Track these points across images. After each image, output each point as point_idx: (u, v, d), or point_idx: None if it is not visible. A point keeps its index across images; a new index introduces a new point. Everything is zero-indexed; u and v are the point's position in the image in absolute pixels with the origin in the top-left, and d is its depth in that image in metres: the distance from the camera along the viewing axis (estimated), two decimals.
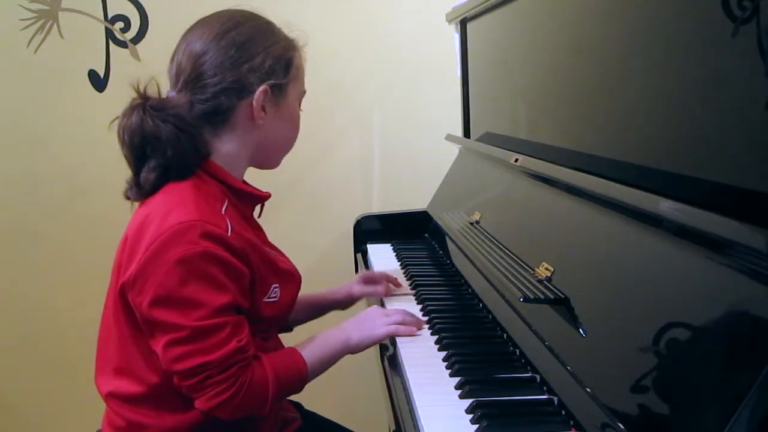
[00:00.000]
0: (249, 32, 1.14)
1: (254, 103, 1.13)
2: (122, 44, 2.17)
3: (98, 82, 2.17)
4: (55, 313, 2.24)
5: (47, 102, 2.17)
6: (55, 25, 2.14)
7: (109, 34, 2.16)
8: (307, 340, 1.19)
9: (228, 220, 1.09)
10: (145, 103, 1.10)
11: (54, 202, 2.21)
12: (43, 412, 2.28)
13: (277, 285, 1.18)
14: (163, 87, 1.15)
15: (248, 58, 1.12)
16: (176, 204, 1.06)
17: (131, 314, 1.09)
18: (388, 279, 1.51)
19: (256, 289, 1.13)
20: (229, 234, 1.06)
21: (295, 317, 1.38)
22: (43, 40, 2.15)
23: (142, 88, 1.12)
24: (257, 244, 1.15)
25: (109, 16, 2.16)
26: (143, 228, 1.06)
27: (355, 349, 1.20)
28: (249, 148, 1.17)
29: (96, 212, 2.16)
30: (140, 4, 2.15)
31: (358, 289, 1.49)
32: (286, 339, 1.28)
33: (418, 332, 1.24)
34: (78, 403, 2.13)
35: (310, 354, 1.15)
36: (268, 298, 1.16)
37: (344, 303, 1.50)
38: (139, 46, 2.17)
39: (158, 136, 1.08)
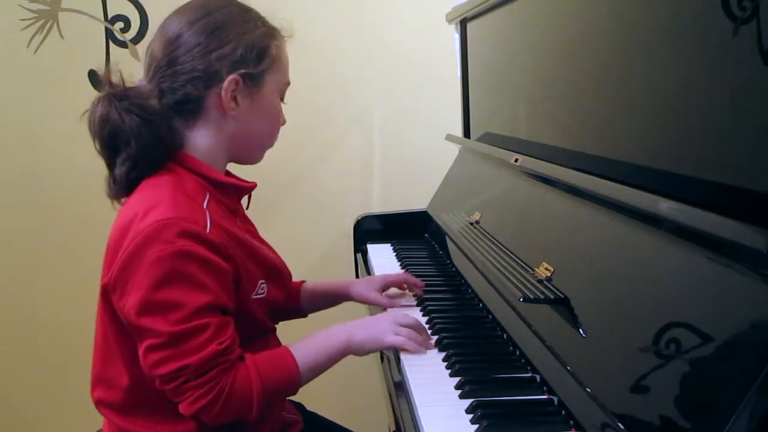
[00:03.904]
0: (221, 19, 1.10)
1: (223, 93, 1.09)
2: (122, 44, 2.17)
3: (98, 82, 2.17)
4: (55, 313, 2.24)
5: (47, 102, 2.17)
6: (55, 25, 2.14)
7: (109, 34, 2.17)
8: (305, 337, 1.14)
9: (208, 215, 1.05)
10: (110, 93, 1.07)
11: (54, 202, 2.21)
12: (43, 413, 2.28)
13: (263, 281, 1.15)
14: (135, 77, 1.13)
15: (218, 46, 1.09)
16: (154, 202, 1.03)
17: (114, 316, 1.07)
18: (411, 284, 1.44)
19: (243, 286, 1.10)
20: (207, 230, 1.03)
21: (310, 304, 1.39)
22: (43, 40, 2.15)
23: (108, 77, 1.09)
24: (243, 238, 1.13)
25: (109, 16, 2.16)
26: (124, 229, 1.04)
27: (357, 349, 1.13)
28: (224, 141, 1.13)
29: (96, 212, 2.14)
30: (140, 4, 2.15)
31: (360, 295, 1.42)
32: (293, 331, 1.27)
33: (426, 351, 1.15)
34: (78, 403, 2.13)
35: (304, 355, 1.09)
36: (256, 294, 1.13)
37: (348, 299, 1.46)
38: (139, 46, 2.16)
39: (122, 127, 1.06)
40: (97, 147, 1.10)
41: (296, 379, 1.08)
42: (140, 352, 1.02)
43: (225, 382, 1.01)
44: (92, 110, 1.09)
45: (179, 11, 1.14)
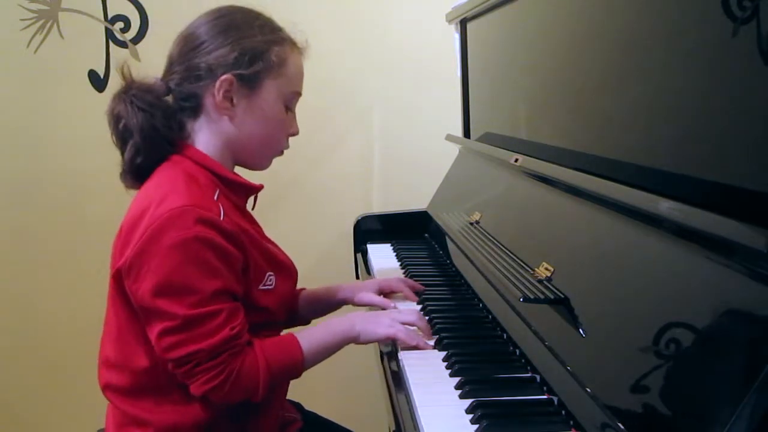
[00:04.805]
0: (227, 23, 1.17)
1: (215, 91, 1.14)
2: (122, 44, 2.17)
3: (98, 82, 2.17)
4: (55, 313, 2.24)
5: (47, 102, 2.17)
6: (55, 25, 2.15)
7: (109, 34, 2.17)
8: (310, 327, 1.20)
9: (221, 206, 1.10)
10: (120, 90, 1.16)
11: (54, 202, 2.21)
12: (43, 412, 2.28)
13: (272, 273, 1.19)
14: (144, 72, 1.19)
15: (218, 47, 1.15)
16: (169, 190, 1.08)
17: (127, 301, 1.10)
18: (409, 286, 1.43)
19: (250, 276, 1.13)
20: (221, 218, 1.07)
21: (309, 311, 1.41)
22: (43, 40, 2.15)
23: (122, 70, 1.17)
24: (252, 233, 1.16)
25: (109, 16, 2.16)
26: (138, 215, 1.07)
27: (357, 338, 1.18)
28: (224, 141, 1.17)
29: (96, 212, 2.16)
30: (140, 4, 2.15)
31: (360, 298, 1.42)
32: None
33: (421, 344, 1.16)
34: (78, 402, 2.14)
35: (309, 340, 1.15)
36: (264, 285, 1.17)
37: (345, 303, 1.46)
38: (139, 46, 2.17)
39: (127, 118, 1.13)
40: (113, 138, 1.17)
41: (300, 362, 1.14)
42: (153, 335, 1.06)
43: (234, 366, 1.06)
44: (110, 108, 1.16)
45: (199, 17, 1.21)
